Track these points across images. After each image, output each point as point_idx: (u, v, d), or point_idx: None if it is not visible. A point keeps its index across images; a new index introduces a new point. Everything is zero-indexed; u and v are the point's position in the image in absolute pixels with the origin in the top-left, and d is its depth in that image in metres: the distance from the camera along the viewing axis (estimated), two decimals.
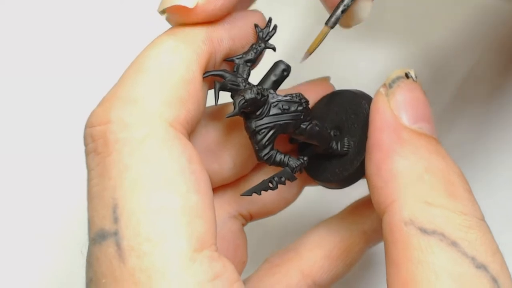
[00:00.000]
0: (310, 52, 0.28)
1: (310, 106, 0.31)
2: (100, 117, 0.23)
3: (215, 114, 0.29)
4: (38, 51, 0.46)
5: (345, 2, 0.27)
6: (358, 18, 0.28)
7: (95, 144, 0.23)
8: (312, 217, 0.38)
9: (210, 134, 0.29)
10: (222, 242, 0.30)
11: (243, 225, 0.31)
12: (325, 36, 0.27)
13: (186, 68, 0.24)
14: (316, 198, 0.39)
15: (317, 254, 0.31)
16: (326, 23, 0.27)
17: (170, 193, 0.22)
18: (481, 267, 0.23)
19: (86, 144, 0.24)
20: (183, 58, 0.25)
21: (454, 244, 0.23)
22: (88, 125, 0.24)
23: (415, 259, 0.23)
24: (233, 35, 0.27)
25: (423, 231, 0.23)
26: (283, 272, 0.31)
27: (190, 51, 0.25)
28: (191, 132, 0.25)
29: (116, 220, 0.22)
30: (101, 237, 0.22)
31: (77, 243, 0.26)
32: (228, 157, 0.29)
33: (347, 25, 0.29)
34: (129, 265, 0.21)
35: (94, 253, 0.23)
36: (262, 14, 0.28)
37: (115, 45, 0.45)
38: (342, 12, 0.27)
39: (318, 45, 0.28)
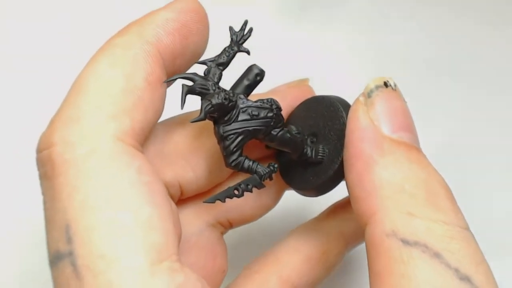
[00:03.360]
0: None
1: (290, 109, 0.30)
2: (45, 140, 0.23)
3: (186, 121, 0.28)
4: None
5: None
6: None
7: (45, 169, 0.23)
8: (292, 221, 0.38)
9: (183, 142, 0.28)
10: (200, 251, 0.29)
11: (222, 233, 0.31)
12: None
13: (126, 78, 0.24)
14: (297, 201, 0.38)
15: (296, 258, 0.31)
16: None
17: (120, 208, 0.22)
18: (465, 278, 0.22)
19: (38, 170, 0.24)
20: (121, 69, 0.24)
21: (437, 255, 0.22)
22: (37, 151, 0.23)
23: (398, 272, 0.22)
24: (170, 29, 0.26)
25: (405, 242, 0.23)
26: (262, 278, 0.31)
27: (128, 61, 0.24)
28: (144, 140, 0.25)
29: (69, 240, 0.22)
30: (57, 259, 0.22)
31: None
32: (203, 164, 0.28)
33: None
34: (86, 285, 0.21)
35: (53, 275, 0.22)
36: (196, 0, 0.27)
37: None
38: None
39: None
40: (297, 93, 0.31)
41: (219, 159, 0.28)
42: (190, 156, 0.28)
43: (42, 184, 0.23)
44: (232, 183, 0.30)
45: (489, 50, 0.43)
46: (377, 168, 0.24)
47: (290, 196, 0.32)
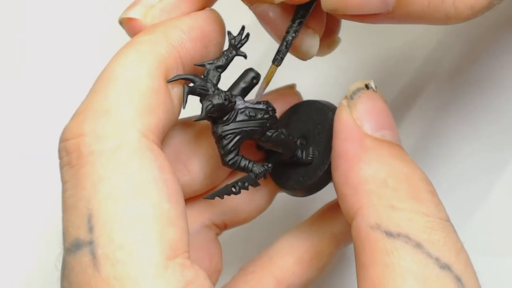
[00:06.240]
0: (263, 89, 0.28)
1: (279, 115, 0.32)
2: (74, 130, 0.24)
3: (183, 126, 0.30)
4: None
5: (286, 39, 0.27)
6: (307, 54, 0.29)
7: (69, 157, 0.24)
8: (285, 223, 0.39)
9: (180, 146, 0.29)
10: (197, 251, 0.30)
11: (217, 234, 0.32)
12: (274, 74, 0.28)
13: (152, 77, 0.25)
14: (289, 204, 0.39)
15: (289, 260, 0.32)
16: (273, 62, 0.28)
17: (142, 202, 0.23)
18: (445, 267, 0.23)
19: (60, 158, 0.24)
20: (147, 68, 0.25)
21: (418, 245, 0.24)
22: (62, 139, 0.24)
23: (382, 262, 0.24)
24: (193, 36, 0.27)
25: (389, 234, 0.24)
26: (257, 279, 0.32)
27: (153, 60, 0.25)
28: (163, 139, 0.26)
29: (91, 229, 0.22)
30: (76, 247, 0.23)
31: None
32: (199, 168, 0.29)
33: (302, 59, 0.29)
34: (103, 274, 0.22)
35: (69, 263, 0.23)
36: (217, 12, 0.29)
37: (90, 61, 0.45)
38: (286, 48, 0.27)
39: (268, 83, 0.28)
40: (285, 99, 0.32)
41: (214, 164, 0.29)
42: (187, 160, 0.29)
43: (64, 172, 0.24)
44: None
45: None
46: (361, 165, 0.26)
47: (283, 199, 0.34)
